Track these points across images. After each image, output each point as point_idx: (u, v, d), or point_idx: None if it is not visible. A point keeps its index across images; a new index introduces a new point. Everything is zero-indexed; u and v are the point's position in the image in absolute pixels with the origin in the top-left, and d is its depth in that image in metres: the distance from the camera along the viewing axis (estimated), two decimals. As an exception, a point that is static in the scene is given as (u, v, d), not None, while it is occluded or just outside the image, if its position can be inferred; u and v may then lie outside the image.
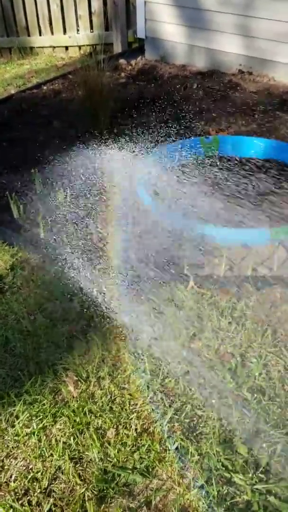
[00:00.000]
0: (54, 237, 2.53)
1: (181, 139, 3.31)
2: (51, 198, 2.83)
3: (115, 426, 1.71)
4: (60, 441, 1.68)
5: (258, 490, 1.49)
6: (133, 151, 2.97)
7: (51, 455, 1.65)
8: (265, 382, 1.81)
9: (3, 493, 1.57)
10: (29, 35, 5.89)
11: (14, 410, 1.79)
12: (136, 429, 1.69)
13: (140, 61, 4.92)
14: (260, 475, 1.53)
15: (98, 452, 1.64)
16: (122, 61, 4.89)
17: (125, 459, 1.61)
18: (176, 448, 1.62)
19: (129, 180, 2.80)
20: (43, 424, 1.74)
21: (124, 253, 2.41)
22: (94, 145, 3.13)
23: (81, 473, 1.60)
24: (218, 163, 3.03)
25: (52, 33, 5.69)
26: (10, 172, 3.22)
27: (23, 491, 1.57)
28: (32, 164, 3.12)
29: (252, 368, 1.86)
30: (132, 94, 4.19)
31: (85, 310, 2.12)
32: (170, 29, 4.73)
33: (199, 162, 3.07)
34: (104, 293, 2.18)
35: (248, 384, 1.80)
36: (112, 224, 2.63)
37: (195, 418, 1.71)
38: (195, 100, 4.03)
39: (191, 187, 2.71)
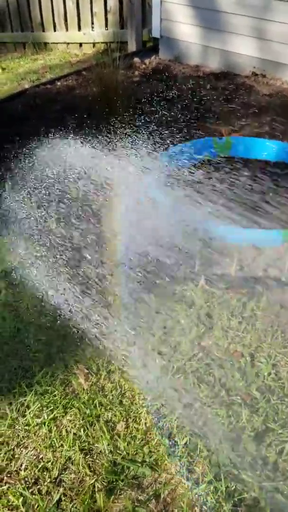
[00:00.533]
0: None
1: (193, 139, 3.32)
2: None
3: (125, 420, 1.73)
4: (70, 432, 1.71)
5: (265, 488, 1.51)
6: (142, 150, 2.98)
7: (61, 445, 1.68)
8: (274, 382, 1.82)
9: (13, 481, 1.59)
10: (43, 31, 5.93)
11: (25, 400, 1.82)
12: (145, 423, 1.71)
13: (154, 60, 4.93)
14: (268, 472, 1.55)
15: (108, 445, 1.66)
16: (136, 59, 4.90)
17: (134, 452, 1.63)
18: (185, 443, 1.64)
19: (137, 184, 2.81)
20: (54, 415, 1.76)
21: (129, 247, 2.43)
22: (106, 143, 3.14)
23: (91, 464, 1.62)
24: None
25: (67, 29, 5.72)
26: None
27: (33, 480, 1.60)
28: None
29: (262, 368, 1.87)
30: (145, 93, 4.20)
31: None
32: (185, 29, 4.74)
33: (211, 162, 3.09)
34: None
35: (257, 383, 1.81)
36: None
37: (204, 415, 1.72)
38: (208, 101, 4.04)
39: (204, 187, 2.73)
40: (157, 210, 2.66)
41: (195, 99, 4.06)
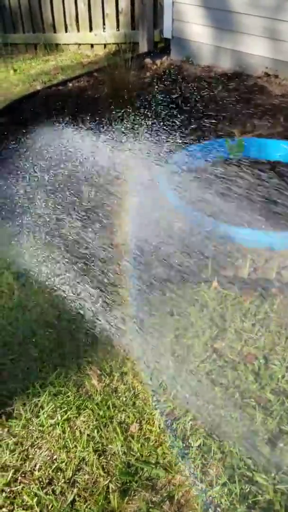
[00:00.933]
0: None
1: (205, 140, 3.32)
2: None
3: (138, 421, 1.74)
4: (84, 433, 1.71)
5: (280, 490, 1.51)
6: (152, 152, 2.99)
7: (75, 446, 1.68)
8: (288, 384, 1.82)
9: (27, 481, 1.61)
10: (55, 32, 5.95)
11: (39, 400, 1.83)
12: (159, 425, 1.71)
13: (165, 61, 4.93)
14: (282, 475, 1.54)
15: (122, 446, 1.66)
16: (147, 60, 4.91)
17: (148, 454, 1.64)
18: (199, 445, 1.63)
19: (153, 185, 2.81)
20: (68, 415, 1.77)
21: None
22: (117, 144, 3.15)
23: (104, 466, 1.62)
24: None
25: (78, 30, 5.74)
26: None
27: (47, 480, 1.60)
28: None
29: (275, 371, 1.87)
30: (157, 94, 4.20)
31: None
32: (197, 29, 4.74)
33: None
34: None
35: (271, 386, 1.81)
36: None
37: (217, 417, 1.72)
38: (220, 102, 4.03)
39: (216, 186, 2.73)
40: (169, 211, 2.67)
41: (206, 100, 4.05)
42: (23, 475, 1.63)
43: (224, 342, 2.00)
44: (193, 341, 2.00)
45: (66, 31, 5.86)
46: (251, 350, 1.96)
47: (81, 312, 2.15)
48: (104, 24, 5.51)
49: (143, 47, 5.23)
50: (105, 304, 2.17)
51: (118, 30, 5.46)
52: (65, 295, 2.21)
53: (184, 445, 1.64)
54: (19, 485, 1.60)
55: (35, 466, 1.65)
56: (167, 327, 2.05)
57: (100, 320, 2.10)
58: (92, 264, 2.36)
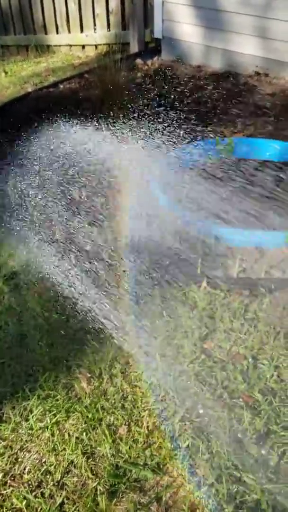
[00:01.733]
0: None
1: (196, 140, 3.32)
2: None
3: (127, 423, 1.74)
4: (73, 436, 1.72)
5: (267, 490, 1.51)
6: (141, 152, 3.00)
7: (64, 449, 1.69)
8: (276, 384, 1.82)
9: (17, 485, 1.61)
10: (46, 33, 5.95)
11: (28, 404, 1.83)
12: (147, 427, 1.72)
13: (156, 61, 4.94)
14: (269, 475, 1.55)
15: (110, 448, 1.67)
16: (138, 61, 4.91)
17: (136, 456, 1.64)
18: (187, 446, 1.64)
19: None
20: (57, 419, 1.77)
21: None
22: (107, 145, 3.15)
23: (93, 468, 1.63)
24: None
25: (69, 31, 5.73)
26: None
27: (36, 483, 1.61)
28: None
29: (264, 370, 1.87)
30: (148, 94, 4.21)
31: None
32: (187, 29, 4.74)
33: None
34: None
35: (260, 386, 1.81)
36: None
37: (206, 418, 1.73)
38: (211, 101, 4.04)
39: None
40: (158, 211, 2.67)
41: (197, 100, 4.05)
42: (12, 478, 1.63)
43: (213, 342, 2.01)
44: (183, 341, 2.00)
45: (57, 32, 5.85)
46: (240, 350, 1.96)
47: (71, 313, 2.16)
48: (95, 24, 5.51)
49: (134, 48, 5.23)
50: (93, 305, 2.17)
51: (109, 30, 5.46)
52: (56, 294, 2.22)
53: (172, 446, 1.65)
54: (8, 488, 1.61)
55: (24, 469, 1.65)
56: (157, 327, 2.06)
57: (89, 321, 2.11)
58: (82, 262, 2.36)
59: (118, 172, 2.95)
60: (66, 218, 2.71)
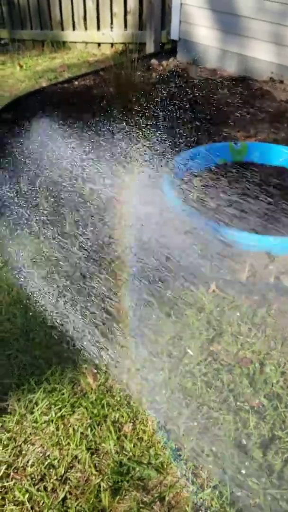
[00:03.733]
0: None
1: (208, 144, 3.33)
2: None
3: (132, 421, 1.74)
4: (77, 431, 1.72)
5: (270, 495, 1.51)
6: (151, 153, 3.00)
7: (68, 444, 1.69)
8: (282, 389, 1.82)
9: (19, 477, 1.61)
10: (62, 29, 5.96)
11: (33, 397, 1.83)
12: (152, 426, 1.72)
13: (171, 63, 4.94)
14: (273, 480, 1.55)
15: (114, 445, 1.67)
16: (154, 61, 4.92)
17: (140, 454, 1.64)
18: (192, 447, 1.64)
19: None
20: (62, 413, 1.77)
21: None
22: (117, 145, 3.15)
23: (97, 464, 1.63)
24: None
25: (86, 29, 5.74)
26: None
27: (39, 477, 1.61)
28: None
29: (270, 375, 1.87)
30: (162, 95, 4.21)
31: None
32: (204, 32, 4.75)
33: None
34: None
35: (266, 390, 1.81)
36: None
37: (211, 420, 1.73)
38: (225, 105, 4.04)
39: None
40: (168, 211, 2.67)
41: (210, 103, 4.05)
42: (15, 470, 1.63)
43: (220, 345, 2.01)
44: (190, 343, 2.00)
45: (73, 29, 5.86)
46: (247, 354, 1.96)
47: (79, 309, 2.16)
48: (112, 23, 5.52)
49: (150, 48, 5.24)
50: (102, 305, 2.17)
51: (126, 30, 5.47)
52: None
53: (176, 446, 1.65)
54: (11, 480, 1.61)
55: (28, 462, 1.65)
56: (164, 329, 2.06)
57: (96, 319, 2.11)
58: (89, 262, 2.37)
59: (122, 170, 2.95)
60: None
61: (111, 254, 2.43)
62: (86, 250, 2.44)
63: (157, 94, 4.21)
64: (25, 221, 2.67)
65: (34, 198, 2.85)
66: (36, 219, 2.68)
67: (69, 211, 2.71)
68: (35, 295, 2.18)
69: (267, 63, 4.41)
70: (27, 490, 1.57)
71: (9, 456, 1.67)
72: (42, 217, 2.69)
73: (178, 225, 2.60)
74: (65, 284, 2.23)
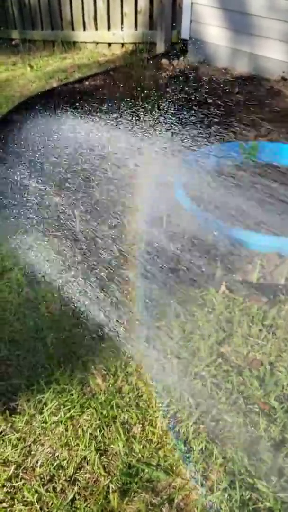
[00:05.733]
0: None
1: (219, 143, 3.31)
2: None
3: (141, 422, 1.74)
4: (86, 431, 1.72)
5: (280, 498, 1.50)
6: (163, 152, 2.98)
7: (77, 444, 1.69)
8: (293, 392, 1.80)
9: (29, 477, 1.61)
10: (73, 30, 5.96)
11: (43, 397, 1.83)
12: (162, 427, 1.71)
13: (182, 62, 4.92)
14: (284, 483, 1.53)
15: (123, 446, 1.66)
16: (164, 61, 4.90)
17: (149, 456, 1.63)
18: (201, 449, 1.63)
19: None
20: (71, 414, 1.77)
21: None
22: (128, 143, 3.14)
23: (105, 465, 1.63)
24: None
25: (96, 29, 5.74)
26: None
27: (48, 477, 1.61)
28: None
29: (281, 377, 1.86)
30: (173, 94, 4.20)
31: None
32: (215, 31, 4.72)
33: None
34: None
35: (276, 392, 1.80)
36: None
37: (221, 422, 1.72)
38: (236, 104, 4.02)
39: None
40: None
41: (222, 102, 4.03)
42: (24, 471, 1.64)
43: (230, 347, 1.99)
44: (199, 344, 1.99)
45: (84, 29, 5.87)
46: (257, 356, 1.95)
47: (88, 309, 2.16)
48: (122, 23, 5.51)
49: (160, 48, 5.22)
50: (111, 303, 2.17)
51: (136, 29, 5.46)
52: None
53: (186, 448, 1.64)
54: (20, 480, 1.61)
55: (37, 462, 1.66)
56: (174, 329, 2.05)
57: (106, 319, 2.11)
58: (98, 261, 2.37)
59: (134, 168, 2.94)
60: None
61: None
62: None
63: (167, 93, 4.20)
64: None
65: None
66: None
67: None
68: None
69: (279, 62, 4.37)
70: (36, 491, 1.57)
71: (19, 456, 1.67)
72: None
73: (190, 225, 2.59)
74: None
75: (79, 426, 1.74)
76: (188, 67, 4.79)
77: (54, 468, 1.63)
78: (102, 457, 1.65)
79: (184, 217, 2.63)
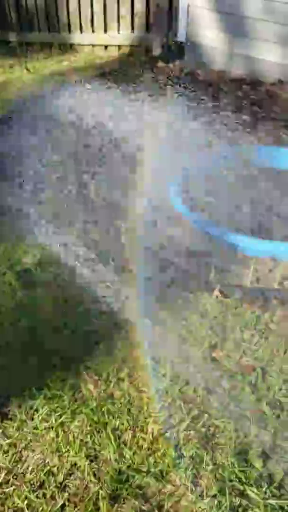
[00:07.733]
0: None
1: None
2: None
3: (132, 429, 1.73)
4: (77, 438, 1.71)
5: (270, 505, 1.50)
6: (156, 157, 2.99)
7: (68, 451, 1.68)
8: (285, 397, 1.80)
9: (19, 484, 1.61)
10: (70, 32, 5.96)
11: (34, 403, 1.83)
12: (152, 433, 1.71)
13: (178, 65, 4.92)
14: (273, 490, 1.53)
15: (114, 453, 1.66)
16: (160, 63, 4.90)
17: (140, 462, 1.63)
18: (191, 455, 1.63)
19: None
20: (62, 420, 1.77)
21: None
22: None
23: (96, 472, 1.62)
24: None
25: (93, 31, 5.74)
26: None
27: (38, 484, 1.61)
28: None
29: (273, 383, 1.85)
30: (168, 97, 4.19)
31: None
32: (211, 34, 4.72)
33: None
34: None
35: (268, 398, 1.80)
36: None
37: (211, 428, 1.71)
38: (231, 107, 4.01)
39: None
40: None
41: (218, 105, 4.03)
42: (15, 477, 1.64)
43: (222, 352, 1.99)
44: (192, 349, 1.99)
45: (81, 31, 5.86)
46: (250, 361, 1.95)
47: (82, 312, 2.16)
48: (119, 26, 5.51)
49: (157, 50, 5.22)
50: (105, 306, 2.17)
51: (133, 32, 5.45)
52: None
53: (176, 454, 1.64)
54: (11, 486, 1.61)
55: (27, 468, 1.65)
56: (166, 334, 2.05)
57: (99, 322, 2.11)
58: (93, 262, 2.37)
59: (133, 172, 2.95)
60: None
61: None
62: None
63: (164, 95, 4.20)
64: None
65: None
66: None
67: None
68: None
69: (275, 65, 4.37)
70: (26, 497, 1.57)
71: (9, 462, 1.67)
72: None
73: (184, 230, 2.59)
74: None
75: (70, 432, 1.74)
76: (185, 69, 4.79)
77: (44, 474, 1.63)
78: (93, 464, 1.64)
79: (178, 220, 2.63)
